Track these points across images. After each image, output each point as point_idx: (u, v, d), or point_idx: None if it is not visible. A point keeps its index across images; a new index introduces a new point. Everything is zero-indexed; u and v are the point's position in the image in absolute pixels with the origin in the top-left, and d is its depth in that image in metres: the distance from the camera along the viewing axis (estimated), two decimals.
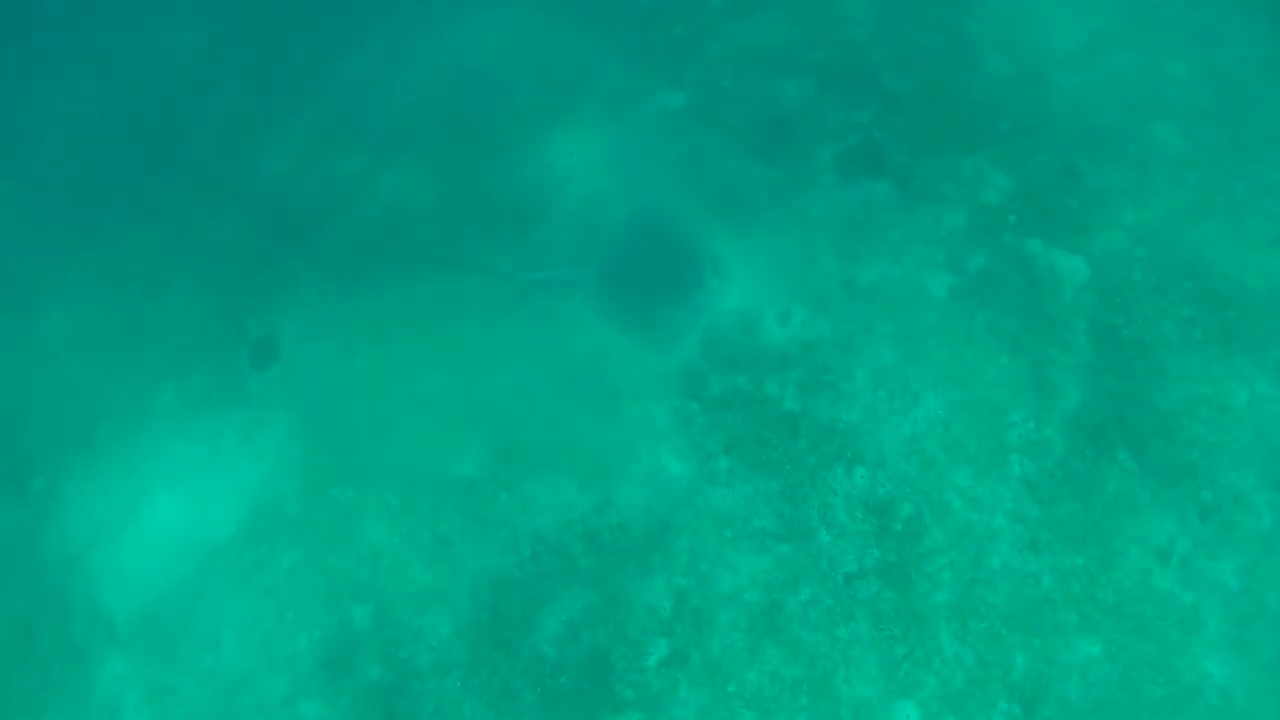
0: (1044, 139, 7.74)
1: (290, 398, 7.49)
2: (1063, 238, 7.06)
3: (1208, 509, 5.81)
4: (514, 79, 8.57)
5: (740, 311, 6.92)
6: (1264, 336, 6.33)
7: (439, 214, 8.09)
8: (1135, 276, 6.84)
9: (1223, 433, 6.00)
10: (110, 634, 7.01)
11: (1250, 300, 6.50)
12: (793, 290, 6.95)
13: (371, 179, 8.63)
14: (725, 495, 6.11)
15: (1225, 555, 5.61)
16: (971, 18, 8.94)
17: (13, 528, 7.81)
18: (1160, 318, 6.61)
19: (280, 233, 8.65)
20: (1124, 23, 8.72)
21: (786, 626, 5.66)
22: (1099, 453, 6.06)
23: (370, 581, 6.53)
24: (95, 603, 7.14)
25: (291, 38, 10.39)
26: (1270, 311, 6.44)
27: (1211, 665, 5.34)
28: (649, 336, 6.85)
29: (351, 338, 7.52)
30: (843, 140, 7.84)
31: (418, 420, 6.92)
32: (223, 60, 10.27)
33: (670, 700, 5.59)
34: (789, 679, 5.53)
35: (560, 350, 6.91)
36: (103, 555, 7.45)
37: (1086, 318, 6.63)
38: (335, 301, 7.79)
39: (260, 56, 10.16)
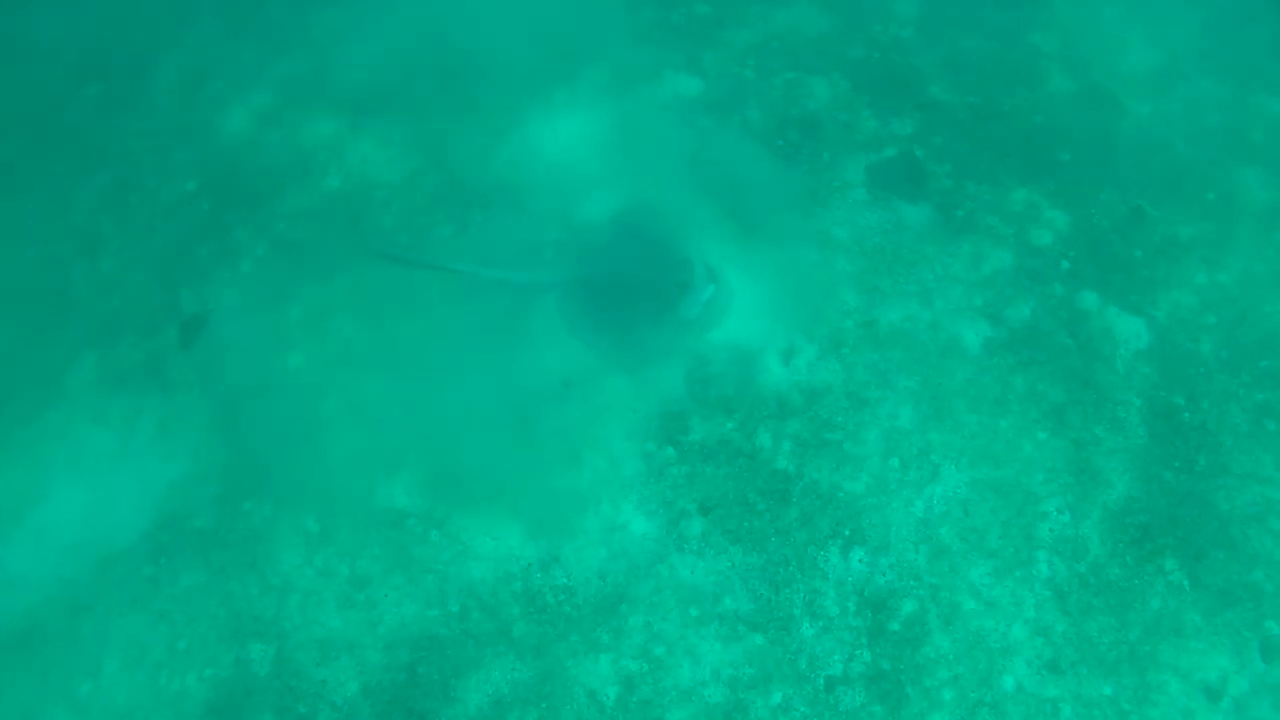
0: (1109, 175, 6.70)
1: (213, 390, 6.51)
2: (1122, 294, 6.04)
3: (1272, 644, 4.82)
4: (508, 44, 7.51)
5: (737, 343, 5.92)
6: None
7: (406, 193, 7.08)
8: (1203, 349, 5.82)
9: None
10: None
11: None
12: (801, 324, 5.93)
13: (338, 146, 7.61)
14: (695, 566, 5.13)
15: None
16: (1035, 27, 7.87)
17: None
18: (1229, 401, 5.60)
19: (231, 197, 7.65)
20: (1206, 44, 7.64)
21: None
22: (1143, 560, 5.08)
23: (275, 618, 5.59)
24: None
25: None
26: None
27: None
28: (626, 362, 5.86)
29: (289, 328, 6.54)
30: (877, 152, 6.80)
31: (350, 433, 5.95)
32: None
33: None
34: None
35: (521, 367, 5.91)
36: None
37: (1142, 393, 5.63)
38: (277, 283, 6.79)
39: None
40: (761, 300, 6.04)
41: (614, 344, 5.92)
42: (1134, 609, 4.93)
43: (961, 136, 6.91)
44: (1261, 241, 6.27)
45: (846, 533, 5.14)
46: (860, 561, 5.07)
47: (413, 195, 7.05)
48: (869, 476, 5.29)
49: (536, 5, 7.69)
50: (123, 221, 8.08)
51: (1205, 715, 4.68)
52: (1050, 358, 5.73)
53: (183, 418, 6.53)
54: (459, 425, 5.75)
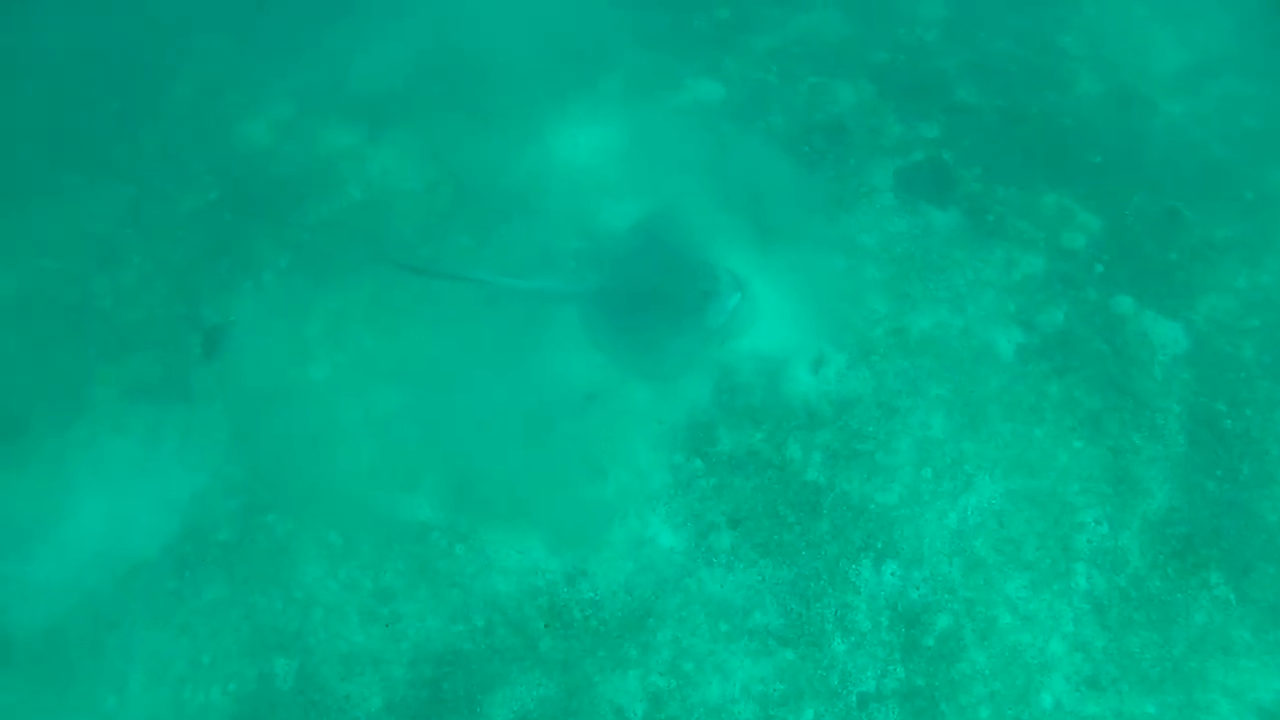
0: (1142, 177, 6.56)
1: (236, 402, 6.49)
2: (1159, 298, 5.90)
3: None
4: (526, 52, 7.47)
5: (764, 352, 5.82)
6: None
7: (426, 203, 7.04)
8: (1245, 353, 5.66)
9: None
10: (4, 652, 6.10)
11: None
12: (830, 332, 5.83)
13: (359, 156, 7.59)
14: (724, 580, 5.03)
15: None
16: (1063, 29, 7.74)
17: None
18: (1274, 408, 5.45)
19: (252, 208, 7.65)
20: (1237, 43, 7.47)
21: None
22: (1186, 572, 4.92)
23: (299, 632, 5.54)
24: None
25: None
26: None
27: None
28: (651, 372, 5.77)
29: (310, 339, 6.51)
30: (904, 157, 6.69)
31: (372, 444, 5.90)
32: (211, 6, 9.25)
33: None
34: None
35: (544, 377, 5.84)
36: (12, 558, 6.54)
37: (1182, 400, 5.48)
38: (298, 294, 6.77)
39: (252, 6, 9.14)
40: (788, 308, 5.94)
41: (638, 354, 5.84)
42: (1178, 624, 4.78)
43: (989, 140, 6.80)
44: None
45: (879, 545, 5.02)
46: (893, 575, 4.95)
47: (433, 205, 7.01)
48: (901, 487, 5.17)
49: (554, 12, 7.66)
50: (144, 233, 8.09)
51: None
52: (1085, 364, 5.60)
53: (205, 430, 6.51)
54: (481, 437, 5.68)
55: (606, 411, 5.68)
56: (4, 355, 7.59)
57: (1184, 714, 4.59)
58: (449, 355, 6.11)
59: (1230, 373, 5.58)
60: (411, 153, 7.49)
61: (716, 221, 6.31)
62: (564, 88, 7.51)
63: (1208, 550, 4.94)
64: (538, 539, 5.33)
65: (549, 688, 4.94)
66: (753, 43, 7.59)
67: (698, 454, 5.42)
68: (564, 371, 5.91)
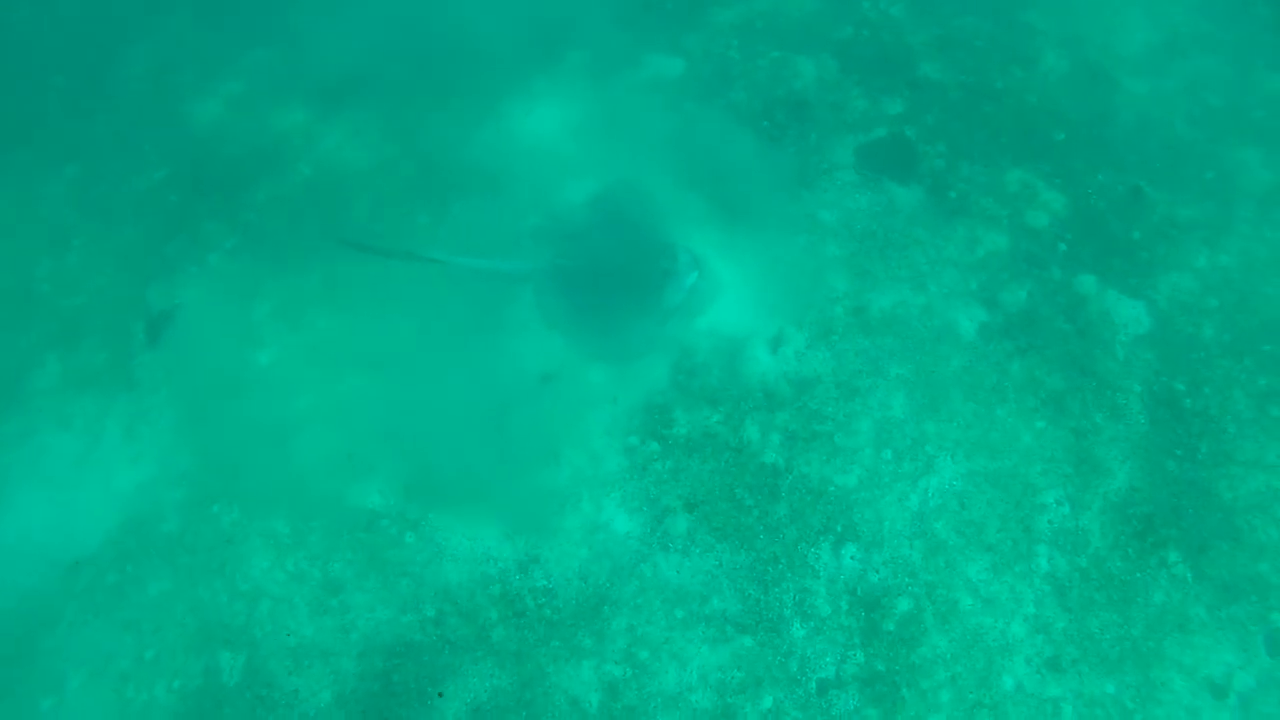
0: (1106, 155, 6.49)
1: (182, 389, 6.26)
2: (1121, 277, 5.84)
3: (1279, 638, 4.64)
4: (484, 27, 7.25)
5: (722, 331, 5.70)
6: None
7: (380, 181, 6.82)
8: (1205, 334, 5.62)
9: None
10: None
11: None
12: (789, 311, 5.71)
13: (309, 135, 7.34)
14: (680, 566, 4.92)
15: None
16: (1029, 5, 7.64)
17: None
18: (1232, 387, 5.41)
19: (201, 188, 7.38)
20: (1206, 22, 7.42)
21: None
22: (1146, 552, 4.89)
23: (245, 625, 5.36)
24: None
25: None
26: None
27: None
28: (607, 353, 5.63)
29: (258, 322, 6.29)
30: (866, 133, 6.58)
31: (321, 431, 5.71)
32: None
33: None
34: None
35: (498, 360, 5.68)
36: None
37: (1143, 380, 5.43)
38: (246, 276, 6.54)
39: None
40: (748, 287, 5.82)
41: (594, 335, 5.69)
42: (1136, 604, 4.74)
43: (954, 116, 6.69)
44: (1262, 222, 6.07)
45: (838, 528, 4.93)
46: (853, 558, 4.86)
47: (387, 183, 6.80)
48: (861, 469, 5.08)
49: None
50: (90, 214, 7.79)
51: (1211, 713, 4.49)
52: (1048, 343, 5.53)
53: (149, 419, 6.27)
54: (434, 422, 5.51)
55: (562, 394, 5.53)
56: None
57: (1141, 692, 4.55)
58: (402, 337, 5.92)
59: (1190, 352, 5.53)
60: (366, 130, 7.25)
61: (676, 199, 6.16)
62: (523, 65, 7.30)
63: (1167, 530, 4.90)
64: (490, 526, 5.18)
65: (502, 679, 4.81)
66: (715, 17, 7.42)
67: (654, 436, 5.30)
68: (519, 353, 5.74)
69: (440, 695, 4.72)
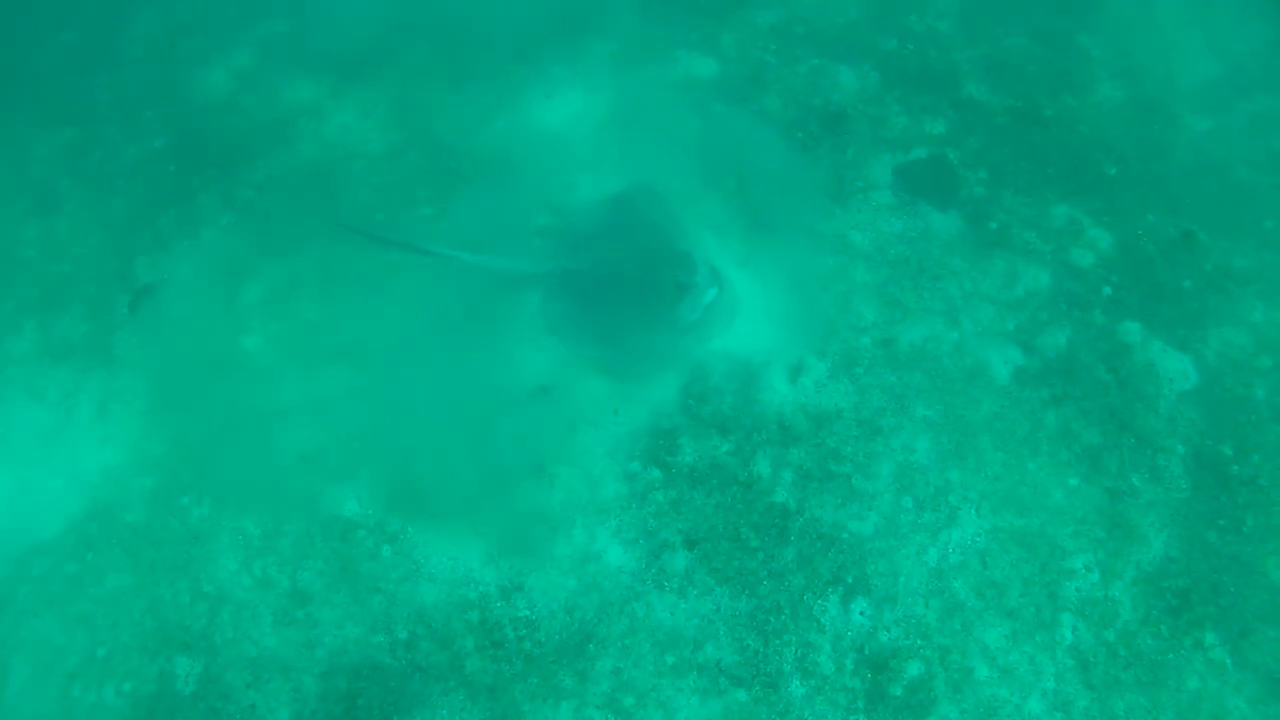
0: (1159, 194, 6.08)
1: (159, 370, 5.91)
2: (1169, 327, 5.44)
3: None
4: (508, 10, 6.87)
5: (738, 354, 5.31)
6: None
7: (386, 166, 6.46)
8: (1257, 394, 5.22)
9: None
10: None
11: None
12: (812, 338, 5.33)
13: (316, 113, 6.99)
14: (675, 607, 4.54)
15: None
16: (1084, 29, 7.23)
17: None
18: None
19: (200, 161, 7.03)
20: (1272, 57, 6.99)
21: None
22: (1180, 631, 4.48)
23: (206, 631, 5.00)
24: None
25: None
26: None
27: None
28: (613, 368, 5.25)
29: (246, 306, 5.94)
30: (905, 152, 6.18)
31: (302, 426, 5.35)
32: None
33: None
34: None
35: (495, 366, 5.30)
36: None
37: (1187, 441, 5.03)
38: (238, 256, 6.19)
39: None
40: (770, 308, 5.43)
41: (600, 347, 5.31)
42: (1167, 688, 4.34)
43: (999, 142, 6.29)
44: None
45: (849, 580, 4.55)
46: (862, 614, 4.48)
47: (394, 169, 6.44)
48: (878, 517, 4.69)
49: None
50: (83, 180, 7.46)
51: None
52: (1086, 394, 5.13)
53: (124, 399, 5.94)
54: (422, 427, 5.14)
55: (560, 408, 5.16)
56: None
57: None
58: (395, 333, 5.55)
59: (1240, 414, 5.13)
60: (376, 112, 6.89)
61: (697, 207, 5.78)
62: (546, 52, 6.93)
63: (1204, 607, 4.50)
64: (473, 545, 4.81)
65: (473, 713, 4.44)
66: (753, 17, 7.03)
67: (656, 463, 4.92)
68: (518, 361, 5.37)
69: None
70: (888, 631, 4.43)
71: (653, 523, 4.74)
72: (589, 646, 4.48)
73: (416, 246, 5.73)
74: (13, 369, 6.39)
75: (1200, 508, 4.82)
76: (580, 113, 6.48)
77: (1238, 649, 4.43)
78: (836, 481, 4.79)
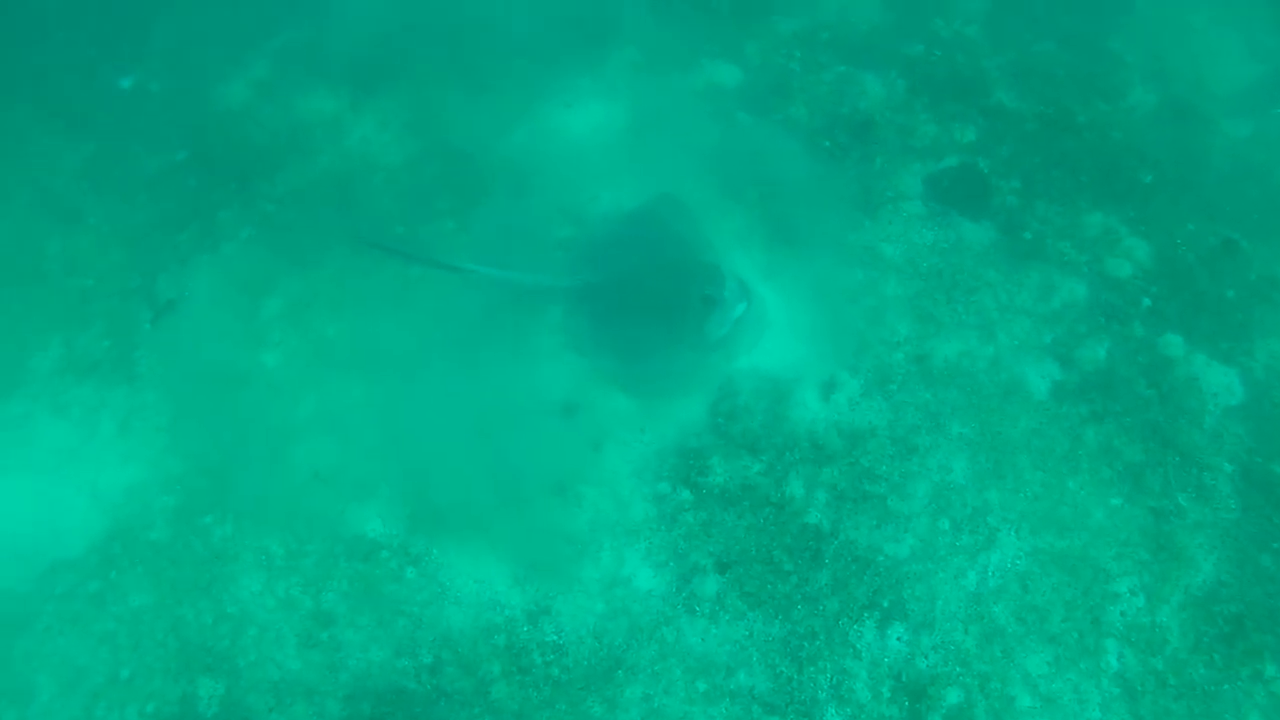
0: (1197, 202, 5.92)
1: (181, 386, 5.87)
2: (1211, 340, 5.28)
3: None
4: (529, 19, 6.80)
5: (769, 371, 5.20)
6: None
7: (406, 179, 6.40)
8: None
9: None
10: None
11: None
12: (844, 354, 5.21)
13: (336, 126, 6.94)
14: (706, 633, 4.43)
15: None
16: (1116, 32, 7.08)
17: None
18: None
19: (221, 174, 7.00)
20: None
21: None
22: (1236, 660, 4.32)
23: (228, 652, 4.95)
24: None
25: None
26: None
27: None
28: (640, 386, 5.15)
29: (266, 321, 5.89)
30: (936, 161, 6.06)
31: (325, 444, 5.29)
32: None
33: None
34: None
35: (520, 384, 5.22)
36: None
37: (1235, 458, 4.87)
38: (258, 270, 6.14)
39: None
40: (799, 323, 5.32)
41: (626, 364, 5.21)
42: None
43: (1031, 149, 6.15)
44: None
45: (885, 604, 4.42)
46: (899, 640, 4.35)
47: (413, 182, 6.38)
48: (915, 539, 4.56)
49: None
50: (104, 194, 7.45)
51: None
52: (1127, 409, 4.98)
53: (147, 417, 5.89)
54: (446, 446, 5.06)
55: (586, 427, 5.06)
56: None
57: None
58: (417, 349, 5.48)
59: None
60: (395, 124, 6.84)
61: (722, 219, 5.68)
62: (568, 61, 6.85)
63: (1261, 636, 4.34)
64: (500, 568, 4.73)
65: None
66: (777, 25, 6.93)
67: (686, 484, 4.81)
68: (543, 378, 5.29)
69: None
70: (925, 658, 4.30)
71: (683, 545, 4.64)
72: (618, 673, 4.38)
73: (437, 261, 5.66)
74: (39, 385, 6.37)
75: (1251, 529, 4.66)
76: (602, 122, 6.40)
77: None
78: (871, 502, 4.67)
